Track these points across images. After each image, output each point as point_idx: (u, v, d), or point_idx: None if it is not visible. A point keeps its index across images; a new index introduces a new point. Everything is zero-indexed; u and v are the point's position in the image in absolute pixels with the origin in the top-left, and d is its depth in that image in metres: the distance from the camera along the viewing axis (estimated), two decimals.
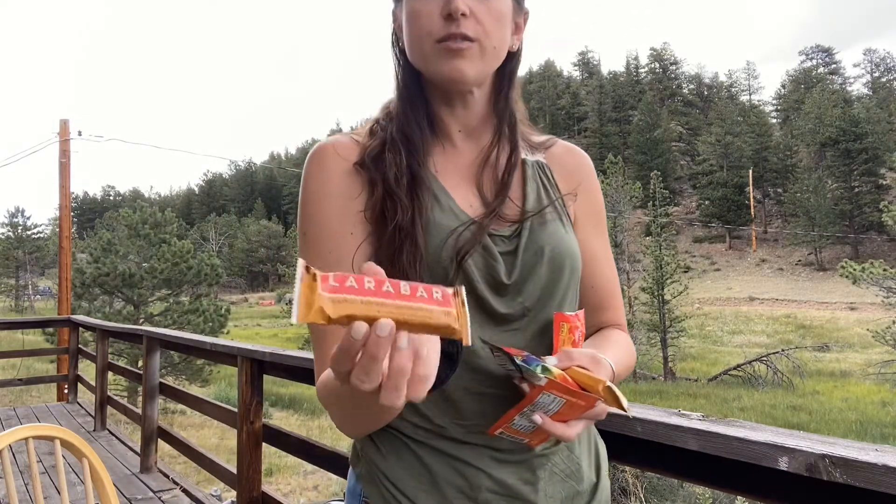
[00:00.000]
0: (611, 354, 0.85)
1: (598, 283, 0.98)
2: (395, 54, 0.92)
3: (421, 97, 0.90)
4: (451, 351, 0.64)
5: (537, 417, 0.73)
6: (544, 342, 0.87)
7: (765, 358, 23.93)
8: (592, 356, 0.77)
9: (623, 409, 0.70)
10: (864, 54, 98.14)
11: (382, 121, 0.92)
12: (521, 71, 0.96)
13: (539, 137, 1.01)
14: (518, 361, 0.74)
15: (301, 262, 0.50)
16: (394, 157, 0.86)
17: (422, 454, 0.85)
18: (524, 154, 0.95)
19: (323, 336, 0.82)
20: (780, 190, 67.67)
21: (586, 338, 0.95)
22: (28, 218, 53.43)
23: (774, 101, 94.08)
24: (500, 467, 0.84)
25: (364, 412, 0.73)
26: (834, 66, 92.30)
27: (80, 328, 8.29)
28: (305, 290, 0.48)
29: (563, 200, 0.94)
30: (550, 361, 0.76)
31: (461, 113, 0.91)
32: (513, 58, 0.91)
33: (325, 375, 0.77)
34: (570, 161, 1.00)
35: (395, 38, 0.92)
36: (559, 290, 0.88)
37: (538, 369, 0.73)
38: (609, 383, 0.71)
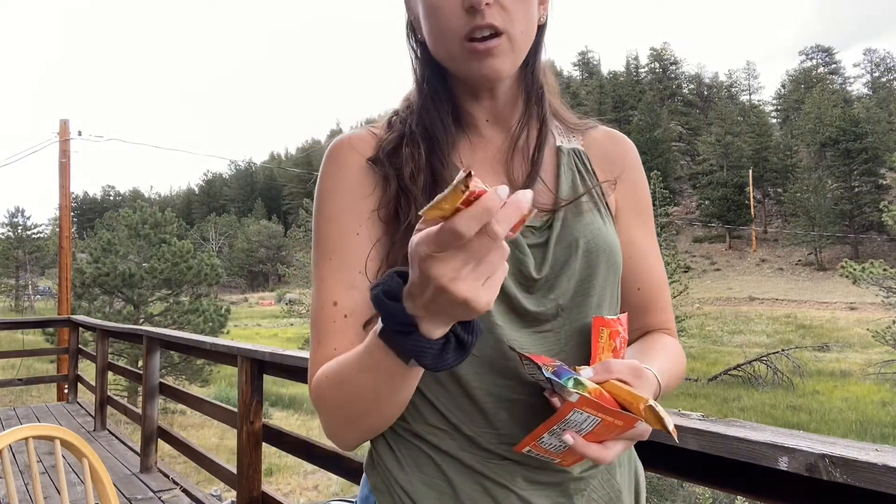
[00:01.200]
0: (658, 364, 0.77)
1: (645, 281, 0.89)
2: (412, 47, 0.86)
3: (444, 90, 0.84)
4: (465, 338, 0.59)
5: (568, 437, 0.65)
6: (582, 348, 0.79)
7: (765, 358, 23.92)
8: (634, 368, 0.69)
9: (668, 430, 0.62)
10: (864, 54, 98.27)
11: (402, 113, 0.86)
12: None
13: (574, 117, 0.93)
14: (547, 373, 0.67)
15: (463, 172, 0.51)
16: (411, 151, 0.80)
17: (446, 469, 0.78)
18: (560, 140, 0.88)
19: (327, 325, 0.77)
20: (780, 190, 67.63)
21: (631, 343, 0.88)
22: (28, 218, 53.36)
23: (774, 101, 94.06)
24: (533, 490, 0.76)
25: (388, 387, 0.66)
26: (834, 66, 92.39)
27: (80, 328, 8.30)
28: (450, 196, 0.51)
29: (601, 189, 0.86)
30: (585, 374, 0.68)
31: (488, 104, 0.85)
32: (540, 30, 0.83)
33: (335, 363, 0.72)
34: (611, 148, 0.91)
35: (411, 29, 0.85)
36: (595, 286, 0.80)
37: (569, 383, 0.65)
38: (651, 402, 0.63)
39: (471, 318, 0.57)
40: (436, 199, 0.51)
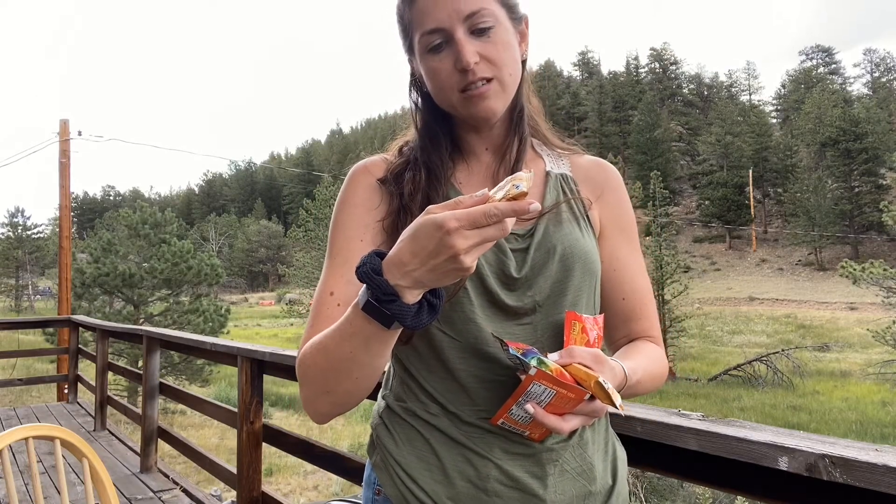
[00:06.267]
0: (631, 362, 0.86)
1: (628, 292, 0.99)
2: (413, 98, 1.01)
3: (445, 130, 0.98)
4: (434, 302, 0.71)
5: (529, 407, 0.75)
6: (556, 340, 0.89)
7: (765, 358, 23.94)
8: (596, 355, 0.78)
9: (615, 405, 0.71)
10: (864, 54, 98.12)
11: (412, 142, 1.01)
12: None
13: (559, 140, 1.05)
14: (512, 352, 0.77)
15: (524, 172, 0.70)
16: (413, 175, 0.94)
17: (433, 443, 0.89)
18: (549, 166, 1.00)
19: (322, 312, 0.89)
20: (780, 190, 67.58)
21: (617, 349, 0.98)
22: (28, 218, 53.33)
23: (774, 101, 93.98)
24: (508, 459, 0.86)
25: (365, 352, 0.75)
26: (834, 66, 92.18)
27: (80, 328, 8.29)
28: (509, 191, 0.67)
29: (582, 203, 0.97)
30: (552, 357, 0.77)
31: (487, 135, 0.98)
32: (522, 65, 0.96)
33: (319, 335, 0.81)
34: (596, 173, 1.02)
35: (414, 81, 0.99)
36: (570, 287, 0.90)
37: (533, 361, 0.75)
38: (601, 379, 0.71)
39: (454, 282, 0.69)
40: (498, 186, 0.68)
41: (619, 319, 0.99)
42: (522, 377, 0.76)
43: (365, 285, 0.70)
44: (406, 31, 0.93)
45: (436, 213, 0.67)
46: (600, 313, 0.96)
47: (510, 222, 0.66)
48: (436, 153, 0.96)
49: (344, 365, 0.77)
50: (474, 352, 0.87)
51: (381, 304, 0.69)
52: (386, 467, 0.92)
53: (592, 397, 0.74)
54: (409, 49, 0.95)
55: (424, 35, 0.88)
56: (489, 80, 0.88)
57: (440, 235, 0.65)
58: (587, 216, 0.97)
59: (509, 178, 0.68)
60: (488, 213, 0.64)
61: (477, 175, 0.98)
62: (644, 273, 1.02)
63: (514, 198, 0.66)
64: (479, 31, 0.87)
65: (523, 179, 0.68)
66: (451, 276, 0.67)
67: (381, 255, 0.71)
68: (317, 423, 0.88)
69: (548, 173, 0.98)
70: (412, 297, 0.69)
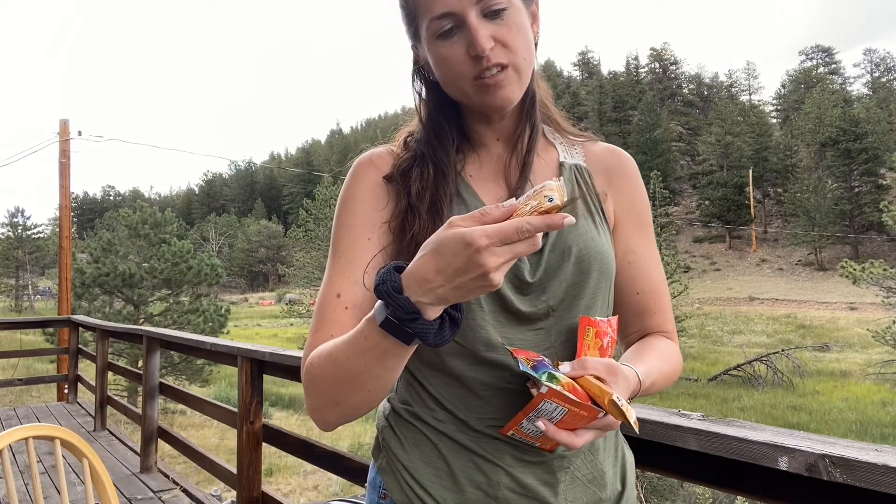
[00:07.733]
0: (645, 365, 0.83)
1: (643, 286, 0.95)
2: (418, 87, 0.95)
3: (452, 121, 0.93)
4: (456, 315, 0.68)
5: (541, 424, 0.73)
6: (570, 345, 0.85)
7: (765, 358, 23.92)
8: (609, 366, 0.75)
9: (629, 422, 0.69)
10: (864, 54, 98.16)
11: (417, 133, 0.95)
12: None
13: (571, 127, 1.00)
14: (524, 367, 0.74)
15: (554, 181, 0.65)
16: (420, 171, 0.89)
17: (442, 448, 0.86)
18: (563, 156, 0.95)
19: (328, 314, 0.84)
20: (780, 190, 67.58)
21: (630, 344, 0.95)
22: (28, 218, 53.25)
23: (774, 101, 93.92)
24: (519, 466, 0.84)
25: (381, 366, 0.72)
26: (834, 66, 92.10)
27: (80, 328, 8.29)
28: (539, 202, 0.64)
29: (598, 198, 0.93)
30: (563, 369, 0.75)
31: (498, 125, 0.93)
32: (535, 47, 0.91)
33: (329, 345, 0.78)
34: (611, 161, 0.97)
35: (418, 70, 0.94)
36: (586, 291, 0.86)
37: (544, 377, 0.72)
38: (615, 397, 0.69)
39: (478, 296, 0.68)
40: (524, 197, 0.64)
41: (633, 314, 0.95)
42: (533, 391, 0.74)
43: (383, 301, 0.67)
44: (411, 16, 0.87)
45: (462, 226, 0.63)
46: (614, 313, 0.93)
47: (540, 236, 0.63)
48: (441, 148, 0.91)
49: (357, 378, 0.74)
50: (483, 359, 0.84)
51: (402, 322, 0.66)
52: (392, 471, 0.89)
53: (606, 413, 0.72)
54: (415, 35, 0.88)
55: (434, 20, 0.82)
56: (504, 67, 0.82)
57: (469, 253, 0.61)
58: (602, 211, 0.93)
59: (539, 186, 0.65)
60: (521, 230, 0.61)
61: (488, 167, 0.93)
62: (659, 264, 0.97)
63: (546, 211, 0.63)
64: (492, 14, 0.81)
65: (555, 190, 0.64)
66: (477, 293, 0.64)
67: (399, 268, 0.67)
68: (323, 430, 0.84)
69: (561, 164, 0.94)
70: (434, 313, 0.66)
